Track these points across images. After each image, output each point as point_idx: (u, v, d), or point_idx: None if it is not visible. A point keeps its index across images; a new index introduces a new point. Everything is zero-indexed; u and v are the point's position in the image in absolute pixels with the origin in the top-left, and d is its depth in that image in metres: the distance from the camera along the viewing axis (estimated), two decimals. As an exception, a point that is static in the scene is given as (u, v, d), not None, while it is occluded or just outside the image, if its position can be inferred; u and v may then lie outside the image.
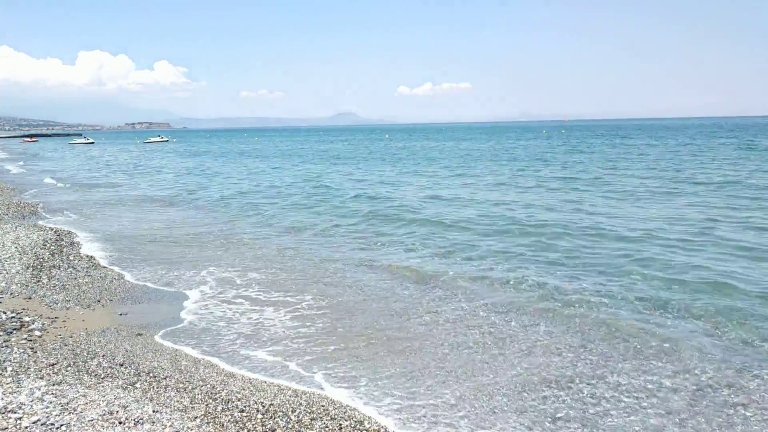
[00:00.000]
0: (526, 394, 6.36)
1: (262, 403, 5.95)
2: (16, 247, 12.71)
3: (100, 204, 22.97)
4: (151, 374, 6.63)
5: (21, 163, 54.03)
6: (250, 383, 6.51)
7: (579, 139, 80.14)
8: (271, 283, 10.87)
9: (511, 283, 10.43)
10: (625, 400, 6.22)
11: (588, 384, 6.60)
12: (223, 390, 6.25)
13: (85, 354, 7.17)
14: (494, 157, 48.09)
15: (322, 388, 6.49)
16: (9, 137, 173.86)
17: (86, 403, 5.59)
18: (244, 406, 5.85)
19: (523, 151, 56.04)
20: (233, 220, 18.68)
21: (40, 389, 5.88)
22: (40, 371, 6.44)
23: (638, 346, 7.59)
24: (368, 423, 5.67)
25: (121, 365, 6.87)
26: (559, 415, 5.93)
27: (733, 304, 8.91)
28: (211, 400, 5.98)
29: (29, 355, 6.93)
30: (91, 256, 12.68)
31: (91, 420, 5.24)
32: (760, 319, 8.34)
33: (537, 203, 20.23)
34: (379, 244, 14.34)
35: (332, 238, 15.17)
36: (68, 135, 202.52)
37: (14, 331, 7.79)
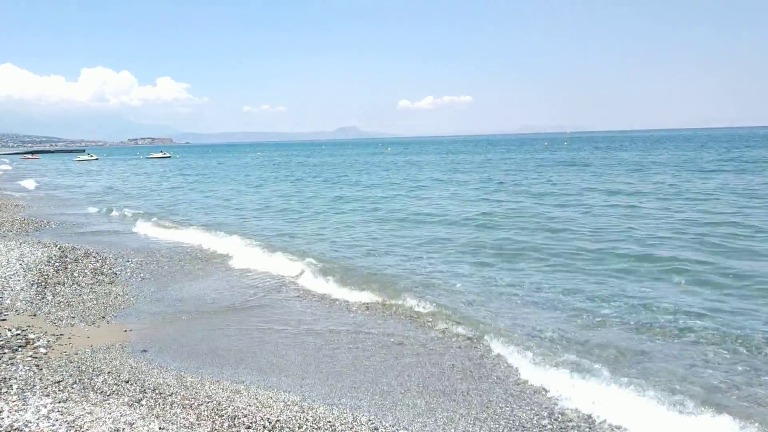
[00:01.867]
0: (531, 406, 6.33)
1: (269, 419, 5.93)
2: (20, 264, 12.75)
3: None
4: (156, 391, 6.62)
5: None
6: (256, 399, 6.50)
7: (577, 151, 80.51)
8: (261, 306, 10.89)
9: (513, 296, 10.43)
10: (634, 412, 6.18)
11: (594, 396, 6.55)
12: (229, 406, 6.23)
13: (90, 371, 7.17)
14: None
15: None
16: (11, 154, 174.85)
17: (92, 421, 5.58)
18: (251, 423, 5.83)
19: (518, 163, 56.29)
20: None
21: (46, 407, 5.88)
22: (46, 388, 6.44)
23: (643, 354, 7.55)
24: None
25: (127, 382, 6.87)
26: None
27: (736, 313, 8.89)
28: (217, 417, 5.97)
29: (35, 373, 6.93)
30: (95, 270, 12.70)
31: (98, 437, 5.23)
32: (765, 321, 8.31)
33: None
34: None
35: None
36: (71, 151, 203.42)
37: (19, 348, 7.80)
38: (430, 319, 9.27)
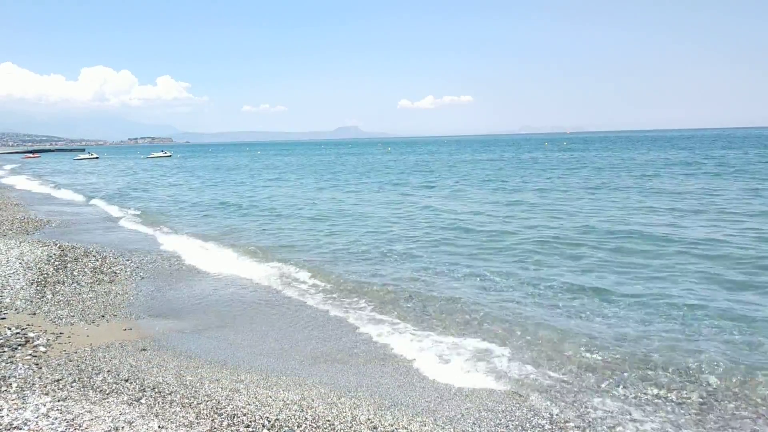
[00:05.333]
0: (531, 410, 6.33)
1: (268, 418, 5.93)
2: (20, 263, 12.74)
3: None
4: (156, 390, 6.62)
5: None
6: (256, 398, 6.49)
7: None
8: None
9: (505, 291, 10.43)
10: (633, 414, 6.18)
11: (594, 397, 6.57)
12: (228, 405, 6.23)
13: (89, 370, 7.17)
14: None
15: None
16: (12, 153, 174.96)
17: (91, 419, 5.58)
18: (250, 422, 5.83)
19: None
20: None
21: (45, 405, 5.88)
22: (45, 387, 6.43)
23: (643, 357, 7.55)
24: (374, 438, 5.65)
25: (126, 381, 6.86)
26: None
27: (736, 311, 8.88)
28: (216, 416, 5.96)
29: (34, 371, 6.93)
30: (95, 269, 12.70)
31: (97, 436, 5.23)
32: (764, 326, 8.31)
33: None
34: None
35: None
36: (71, 150, 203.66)
37: (19, 347, 7.79)
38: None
